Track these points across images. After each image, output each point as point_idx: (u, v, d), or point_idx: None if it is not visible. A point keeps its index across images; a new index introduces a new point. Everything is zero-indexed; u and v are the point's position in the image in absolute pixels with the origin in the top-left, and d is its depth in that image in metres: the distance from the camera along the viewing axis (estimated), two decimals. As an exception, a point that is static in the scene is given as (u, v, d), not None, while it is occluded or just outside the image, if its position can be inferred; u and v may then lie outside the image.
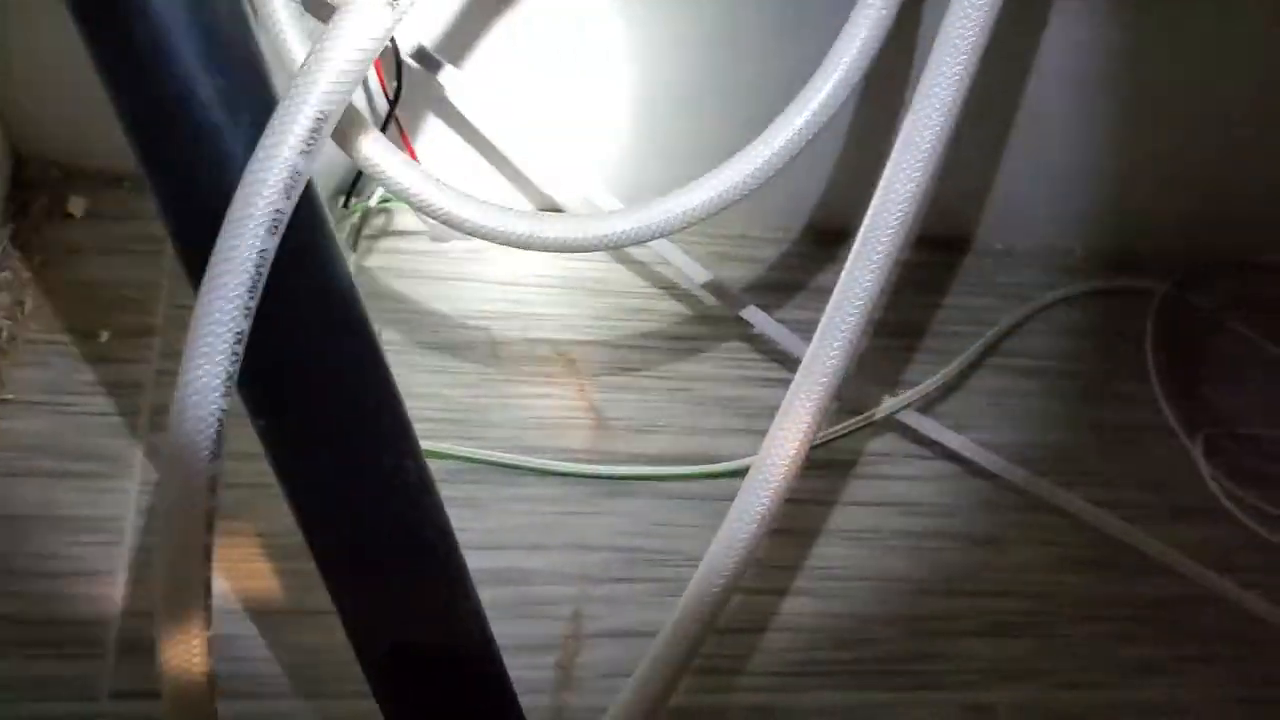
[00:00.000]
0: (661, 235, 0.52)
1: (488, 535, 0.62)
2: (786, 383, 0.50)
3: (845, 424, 0.67)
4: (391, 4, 0.39)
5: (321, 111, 0.38)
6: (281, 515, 0.42)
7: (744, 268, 0.74)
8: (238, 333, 0.37)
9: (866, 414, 0.67)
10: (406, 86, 0.57)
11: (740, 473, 0.57)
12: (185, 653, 0.41)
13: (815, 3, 0.58)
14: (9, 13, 0.55)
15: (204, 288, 0.37)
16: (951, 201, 0.74)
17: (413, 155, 0.60)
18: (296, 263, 0.39)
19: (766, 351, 0.71)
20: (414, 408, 0.44)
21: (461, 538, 0.46)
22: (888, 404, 0.68)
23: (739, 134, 0.66)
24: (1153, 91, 0.66)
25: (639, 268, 0.71)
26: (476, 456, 0.63)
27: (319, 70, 0.38)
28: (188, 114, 0.38)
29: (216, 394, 0.38)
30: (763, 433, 0.51)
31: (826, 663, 0.63)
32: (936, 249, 0.78)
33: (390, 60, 0.56)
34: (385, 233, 0.69)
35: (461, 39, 0.59)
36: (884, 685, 0.63)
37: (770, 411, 0.50)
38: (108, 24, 0.37)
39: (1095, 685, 0.66)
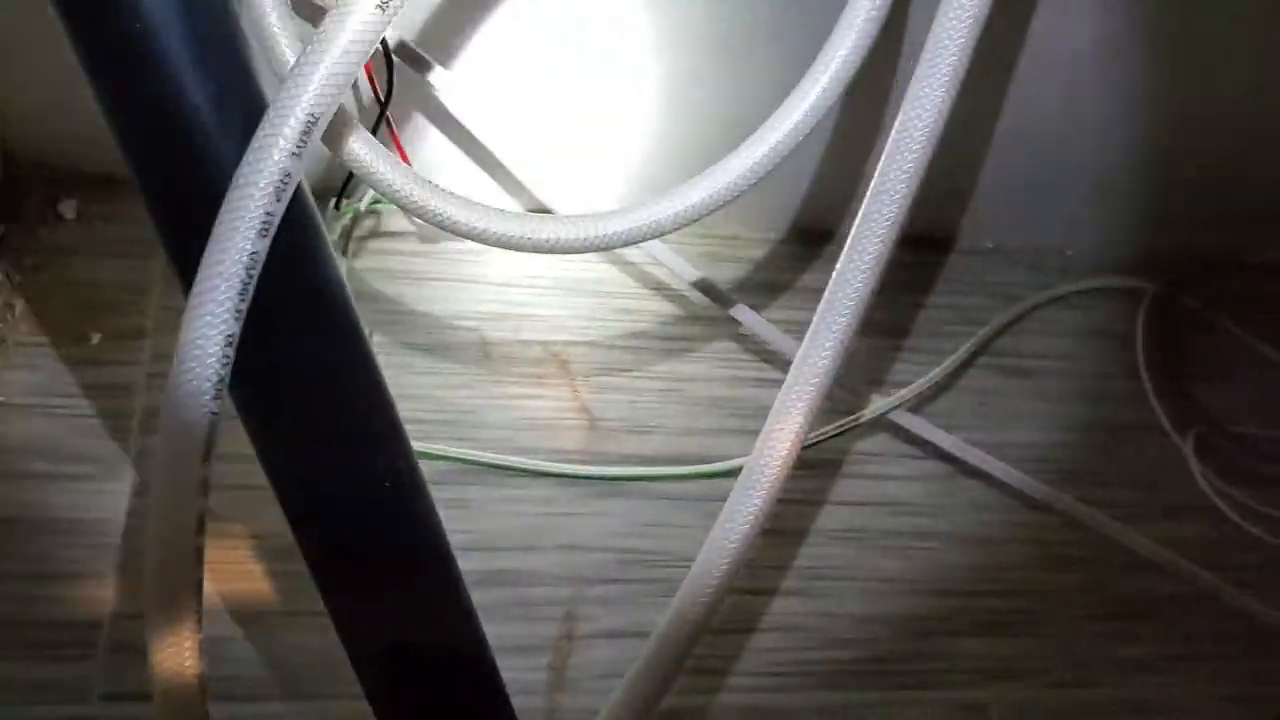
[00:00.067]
0: (653, 237, 0.52)
1: (480, 536, 0.62)
2: (778, 383, 0.50)
3: (837, 424, 0.67)
4: (382, 6, 0.39)
5: (312, 114, 0.38)
6: (273, 517, 0.42)
7: (736, 268, 0.74)
8: (229, 335, 0.37)
9: (858, 414, 0.67)
10: (397, 88, 0.57)
11: (733, 473, 0.57)
12: (177, 655, 0.41)
13: (806, 3, 0.58)
14: (-1, 15, 0.55)
15: (195, 290, 0.37)
16: (942, 201, 0.74)
17: (403, 157, 0.60)
18: (287, 265, 0.39)
19: (758, 352, 0.71)
20: (406, 409, 0.44)
21: (454, 539, 0.46)
22: (879, 404, 0.68)
23: (731, 134, 0.66)
24: (1142, 90, 0.66)
25: (630, 268, 0.71)
26: (468, 458, 0.63)
27: (310, 72, 0.38)
28: (177, 117, 0.38)
29: (207, 396, 0.38)
30: (755, 433, 0.51)
31: (819, 663, 0.63)
32: (927, 248, 0.78)
33: (381, 62, 0.55)
34: (376, 234, 0.69)
35: (452, 40, 0.59)
36: (876, 685, 0.63)
37: (762, 412, 0.50)
38: (96, 26, 0.37)
39: (1087, 684, 0.66)
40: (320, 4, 0.52)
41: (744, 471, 0.51)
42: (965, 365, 0.74)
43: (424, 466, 0.45)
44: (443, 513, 0.46)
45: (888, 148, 0.48)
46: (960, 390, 0.74)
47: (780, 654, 0.63)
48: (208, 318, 0.37)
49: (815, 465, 0.68)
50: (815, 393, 0.50)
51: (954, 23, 0.47)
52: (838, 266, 0.49)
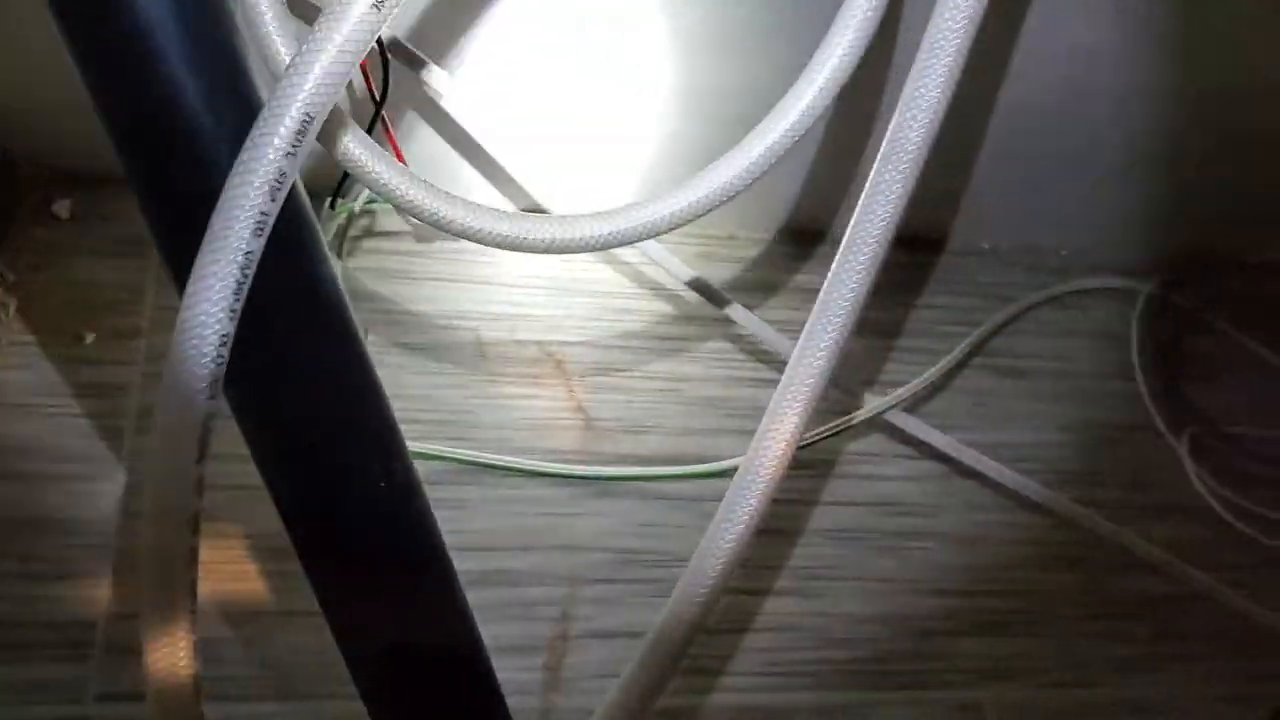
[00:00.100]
0: (648, 237, 0.52)
1: (476, 536, 0.62)
2: (774, 383, 0.50)
3: (832, 424, 0.67)
4: (377, 5, 0.38)
5: (307, 113, 0.38)
6: (268, 517, 0.42)
7: (731, 268, 0.74)
8: (223, 335, 0.37)
9: (853, 414, 0.67)
10: (393, 87, 0.57)
11: (728, 473, 0.57)
12: (171, 655, 0.41)
13: (802, 3, 0.58)
14: (-7, 15, 0.55)
15: (189, 290, 0.37)
16: (938, 201, 0.75)
17: (399, 156, 0.60)
18: (282, 264, 0.39)
19: (754, 352, 0.71)
20: (401, 409, 0.44)
21: (449, 539, 0.46)
22: (874, 404, 0.68)
23: (733, 133, 0.66)
24: (1139, 91, 0.66)
25: (626, 268, 0.71)
26: (464, 458, 0.63)
27: (305, 72, 0.38)
28: (172, 116, 0.37)
29: (202, 396, 0.38)
30: (751, 433, 0.51)
31: (814, 663, 0.63)
32: (922, 249, 0.78)
33: (377, 60, 0.55)
34: (371, 234, 0.69)
35: (448, 38, 0.59)
36: (870, 685, 0.63)
37: (758, 411, 0.50)
38: (91, 25, 0.37)
39: (1081, 683, 0.66)
40: (316, 3, 0.52)
41: (739, 471, 0.51)
42: (960, 365, 0.74)
43: (420, 466, 0.45)
44: (438, 512, 0.46)
45: (883, 147, 0.48)
46: (955, 390, 0.74)
47: (775, 654, 0.63)
48: (202, 317, 0.37)
49: (811, 465, 0.68)
50: (811, 393, 0.50)
51: (950, 22, 0.47)
52: (833, 266, 0.49)
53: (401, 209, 0.49)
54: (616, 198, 0.53)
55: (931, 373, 0.71)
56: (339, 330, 0.42)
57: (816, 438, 0.66)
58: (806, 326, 0.50)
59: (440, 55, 0.59)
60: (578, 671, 0.60)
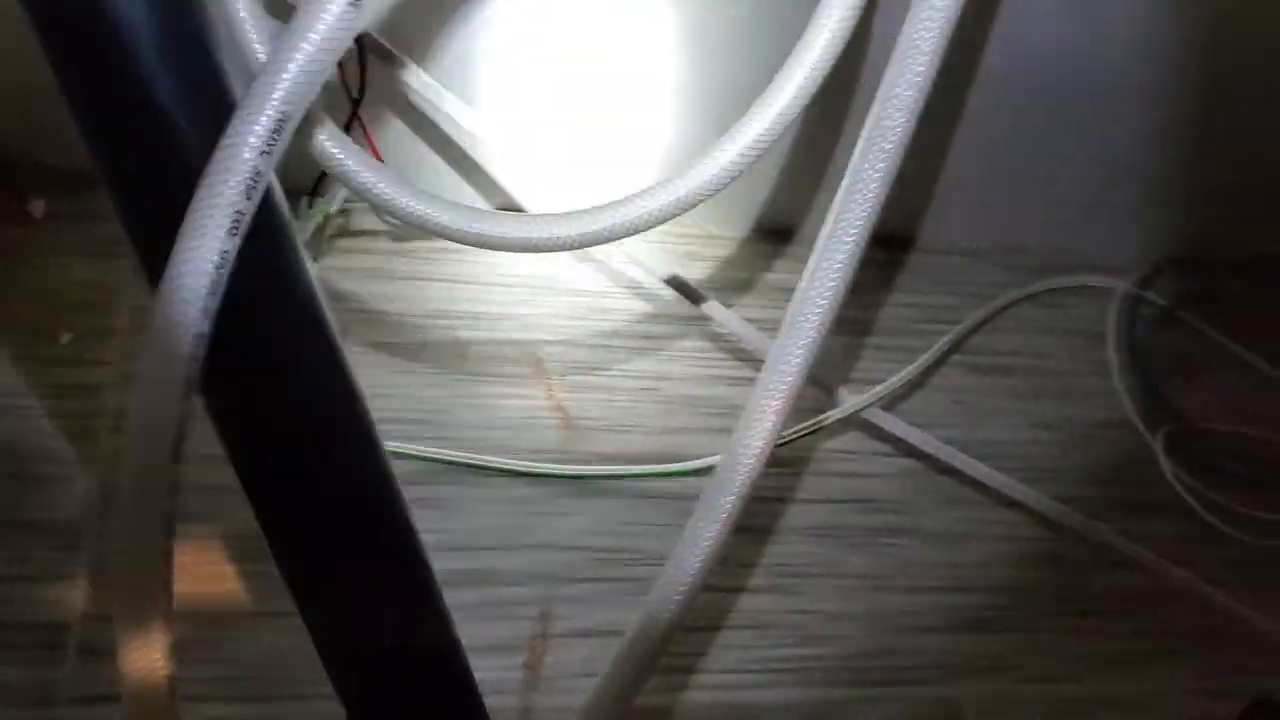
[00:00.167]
0: (627, 235, 0.52)
1: (454, 536, 0.62)
2: (752, 381, 0.50)
3: (809, 422, 0.67)
4: (354, 3, 0.38)
5: (283, 112, 0.38)
6: (244, 518, 0.42)
7: (711, 266, 0.74)
8: (198, 334, 0.37)
9: (830, 411, 0.67)
10: (370, 85, 0.56)
11: (706, 471, 0.57)
12: (146, 657, 0.40)
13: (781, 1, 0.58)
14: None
15: (163, 290, 0.37)
16: (915, 200, 0.75)
17: (376, 155, 0.60)
18: (258, 264, 0.39)
19: (733, 350, 0.71)
20: (379, 408, 0.44)
21: (428, 539, 0.46)
22: (852, 401, 0.68)
23: (706, 131, 0.66)
24: (1115, 91, 0.67)
25: (605, 267, 0.71)
26: (443, 457, 0.63)
27: (281, 70, 0.38)
28: (146, 114, 0.37)
29: (176, 397, 0.37)
30: (729, 431, 0.51)
31: (792, 660, 0.63)
32: (900, 247, 0.78)
33: (354, 59, 0.55)
34: (349, 233, 0.68)
35: (427, 37, 0.59)
36: (848, 682, 0.63)
37: (736, 409, 0.50)
38: (64, 23, 0.37)
39: (1058, 679, 0.67)
40: (292, 1, 0.51)
41: (717, 469, 0.51)
42: (938, 363, 0.74)
43: (398, 466, 0.45)
44: (417, 512, 0.45)
45: (860, 145, 0.48)
46: (933, 388, 0.74)
47: (753, 651, 0.63)
48: (177, 317, 0.37)
49: (789, 463, 0.69)
50: (788, 390, 0.50)
51: (927, 21, 0.47)
52: (810, 264, 0.49)
53: (378, 208, 0.49)
54: (594, 195, 0.53)
55: (909, 370, 0.71)
56: (315, 330, 0.42)
57: (794, 435, 0.66)
58: (784, 324, 0.50)
59: (419, 53, 0.59)
60: (557, 670, 0.60)
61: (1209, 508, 0.73)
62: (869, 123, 0.49)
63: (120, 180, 0.39)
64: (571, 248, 0.52)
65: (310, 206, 0.64)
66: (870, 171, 0.48)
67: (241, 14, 0.45)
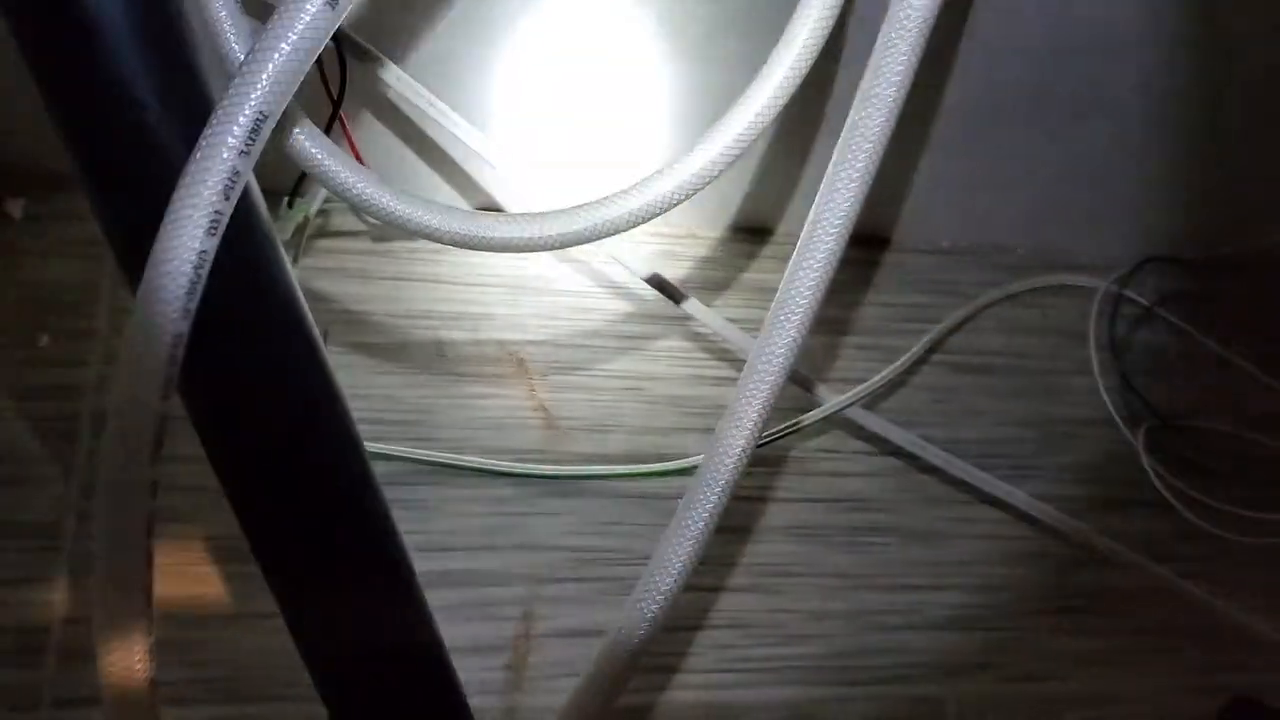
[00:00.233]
0: (608, 235, 0.52)
1: (437, 537, 0.62)
2: (733, 380, 0.50)
3: (791, 421, 0.67)
4: (331, 3, 0.38)
5: (261, 112, 0.38)
6: (224, 518, 0.42)
7: (692, 266, 0.74)
8: (177, 335, 0.37)
9: (812, 411, 0.67)
10: (351, 85, 0.56)
11: (689, 471, 0.57)
12: (127, 659, 0.40)
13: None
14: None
15: (142, 290, 0.37)
16: (896, 200, 0.75)
17: (357, 155, 0.59)
18: (237, 264, 0.39)
19: (714, 349, 0.71)
20: (361, 409, 0.44)
21: (410, 540, 0.46)
22: (834, 401, 0.68)
23: (687, 131, 0.66)
24: (1092, 90, 0.67)
25: (586, 266, 0.71)
26: (424, 458, 0.63)
27: (259, 70, 0.38)
28: (124, 114, 0.37)
29: (155, 397, 0.37)
30: (711, 430, 0.51)
31: (774, 659, 0.63)
32: (881, 247, 0.78)
33: (334, 59, 0.55)
34: (329, 233, 0.68)
35: (406, 36, 0.59)
36: (832, 680, 0.64)
37: (718, 409, 0.50)
38: (41, 23, 0.37)
39: (1041, 677, 0.67)
40: (270, 0, 0.51)
41: (699, 469, 0.51)
42: (920, 362, 0.74)
43: (380, 467, 0.45)
44: (399, 513, 0.45)
45: (840, 144, 0.49)
46: (915, 387, 0.74)
47: (736, 650, 0.63)
48: (156, 318, 0.36)
49: (771, 462, 0.69)
50: (770, 390, 0.50)
51: (906, 19, 0.47)
52: (791, 263, 0.49)
53: (359, 208, 0.49)
54: (573, 195, 0.53)
55: (891, 369, 0.71)
56: (295, 330, 0.42)
57: (776, 435, 0.66)
58: (765, 323, 0.50)
59: (399, 52, 0.59)
60: (541, 670, 0.60)
61: (1190, 505, 0.73)
62: (848, 121, 0.49)
63: (99, 181, 0.39)
64: (552, 247, 0.52)
65: (290, 207, 0.64)
66: (850, 170, 0.48)
67: (219, 14, 0.45)
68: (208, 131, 0.37)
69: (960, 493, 0.71)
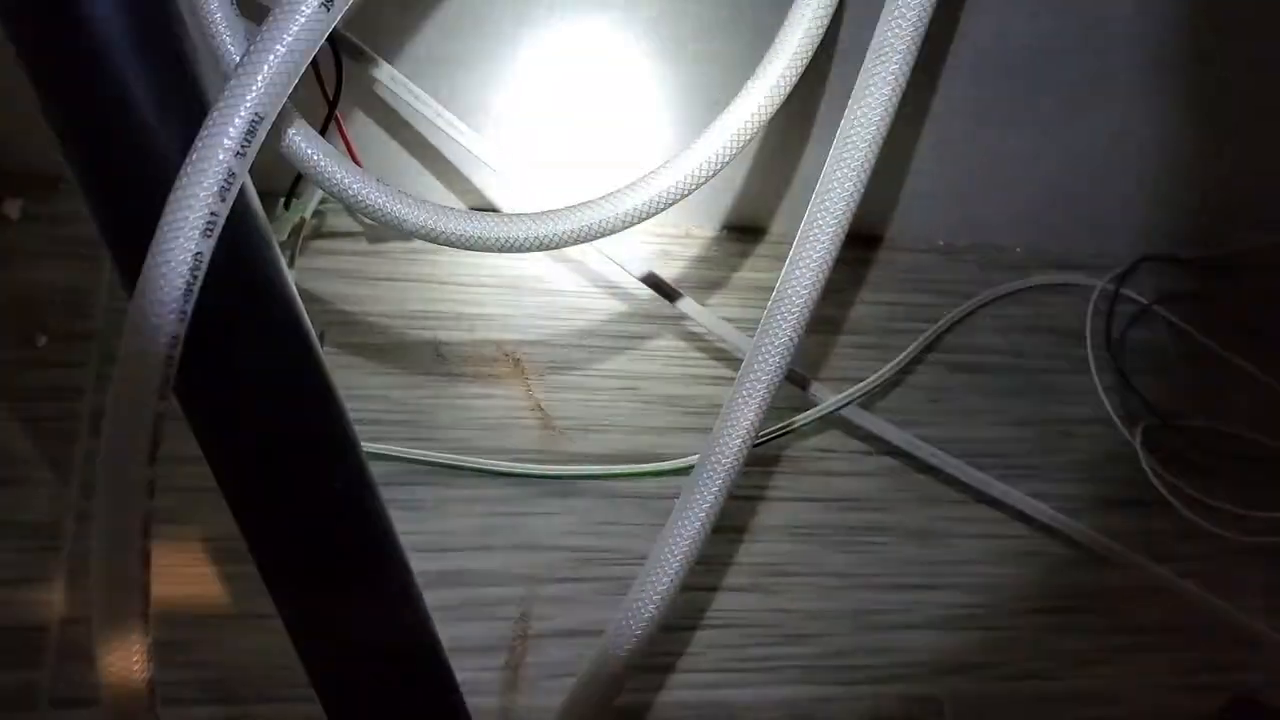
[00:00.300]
0: (604, 235, 0.52)
1: (434, 537, 0.62)
2: (730, 380, 0.50)
3: (788, 420, 0.67)
4: (326, 4, 0.38)
5: (257, 113, 0.38)
6: (222, 519, 0.42)
7: (687, 265, 0.74)
8: (173, 336, 0.37)
9: (809, 410, 0.67)
10: (347, 87, 0.56)
11: (685, 471, 0.57)
12: (125, 659, 0.40)
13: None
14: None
15: (138, 292, 0.37)
16: (890, 199, 0.75)
17: (353, 156, 0.59)
18: (233, 266, 0.39)
19: (710, 349, 0.71)
20: (358, 409, 0.44)
21: (407, 540, 0.46)
22: (830, 400, 0.68)
23: (683, 130, 0.66)
24: (1089, 88, 0.67)
25: (582, 266, 0.71)
26: (421, 458, 0.63)
27: (254, 71, 0.38)
28: (120, 116, 0.37)
29: (152, 397, 0.37)
30: (708, 430, 0.51)
31: (771, 658, 0.63)
32: (877, 246, 0.79)
33: (329, 59, 0.55)
34: (325, 234, 0.68)
35: (402, 37, 0.59)
36: (828, 679, 0.64)
37: (714, 408, 0.50)
38: (38, 24, 0.37)
39: (1038, 676, 0.67)
40: (265, 2, 0.51)
41: (696, 468, 0.51)
42: (916, 361, 0.74)
43: (377, 467, 0.45)
44: (396, 513, 0.46)
45: (836, 142, 0.49)
46: (911, 386, 0.74)
47: (733, 650, 0.63)
48: (152, 319, 0.37)
49: (767, 461, 0.69)
50: (766, 389, 0.50)
51: (901, 18, 0.47)
52: (787, 262, 0.49)
53: (354, 209, 0.49)
54: (571, 194, 0.53)
55: (887, 369, 0.71)
56: (291, 331, 0.42)
57: (772, 434, 0.66)
58: (762, 322, 0.50)
59: (394, 54, 0.59)
60: (538, 671, 0.60)
61: (1188, 504, 0.73)
62: (844, 120, 0.49)
63: (95, 182, 0.39)
64: (548, 247, 0.52)
65: (286, 208, 0.64)
66: (846, 169, 0.48)
67: (215, 15, 0.45)
68: (203, 133, 0.37)
69: (957, 492, 0.71)
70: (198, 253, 0.36)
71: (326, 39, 0.40)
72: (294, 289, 0.42)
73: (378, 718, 0.46)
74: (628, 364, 0.70)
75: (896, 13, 0.47)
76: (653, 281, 0.67)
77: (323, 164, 0.47)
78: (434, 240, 0.50)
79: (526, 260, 0.71)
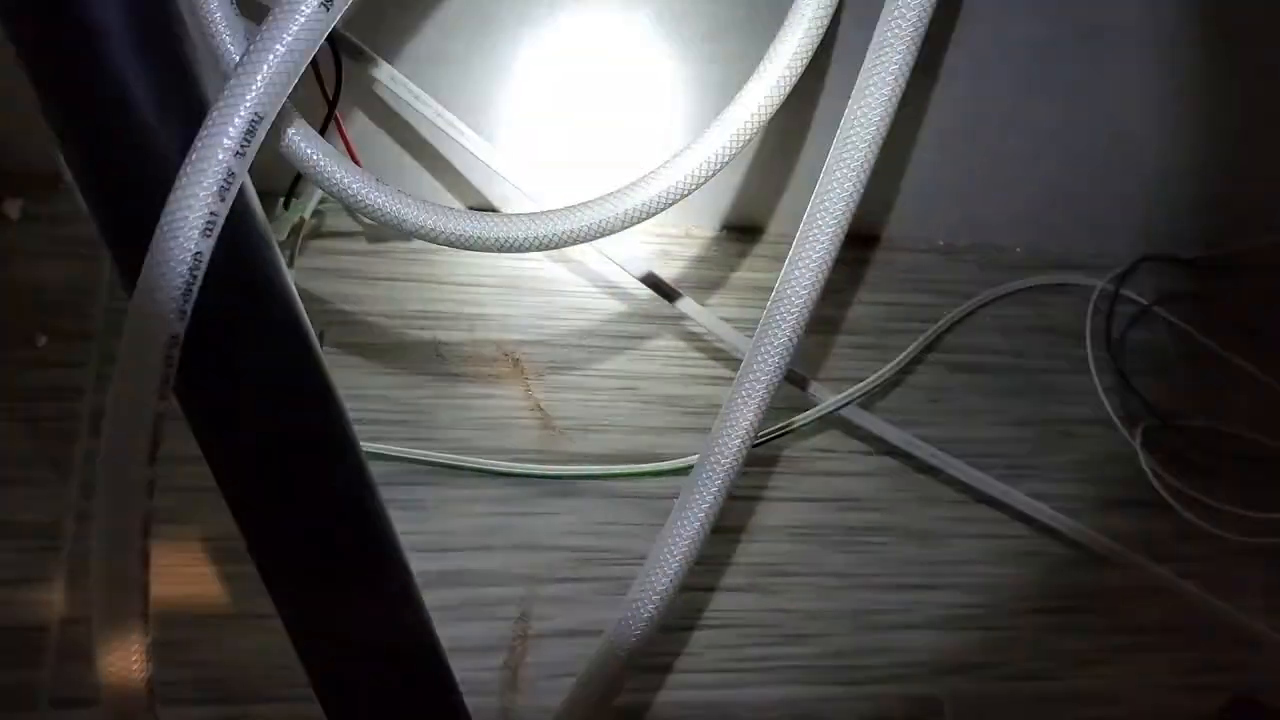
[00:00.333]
0: (603, 235, 0.52)
1: (434, 537, 0.62)
2: (730, 380, 0.50)
3: (787, 420, 0.67)
4: (326, 4, 0.38)
5: (256, 113, 0.38)
6: (221, 519, 0.42)
7: (686, 265, 0.74)
8: (173, 335, 0.37)
9: (808, 410, 0.67)
10: (347, 86, 0.56)
11: (685, 471, 0.57)
12: (124, 659, 0.40)
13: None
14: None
15: (138, 291, 0.37)
16: (891, 199, 0.75)
17: (353, 155, 0.59)
18: (232, 265, 0.39)
19: (709, 349, 0.71)
20: (357, 409, 0.44)
21: (407, 540, 0.46)
22: (830, 400, 0.68)
23: (683, 130, 0.66)
24: (1085, 88, 0.67)
25: (581, 266, 0.71)
26: (421, 458, 0.63)
27: (254, 71, 0.38)
28: (120, 116, 0.37)
29: (152, 397, 0.37)
30: (707, 430, 0.51)
31: (770, 658, 0.63)
32: (877, 247, 0.79)
33: (329, 59, 0.55)
34: (324, 234, 0.68)
35: (402, 36, 0.59)
36: (828, 680, 0.64)
37: (714, 408, 0.50)
38: (37, 23, 0.37)
39: (1037, 676, 0.67)
40: (265, 2, 0.51)
41: (696, 468, 0.51)
42: (916, 361, 0.74)
43: (376, 467, 0.45)
44: (396, 513, 0.46)
45: (835, 143, 0.49)
46: (911, 386, 0.74)
47: (732, 650, 0.63)
48: (152, 318, 0.37)
49: (766, 461, 0.69)
50: (765, 389, 0.50)
51: (900, 20, 0.47)
52: (787, 262, 0.49)
53: (353, 209, 0.49)
54: (570, 194, 0.53)
55: (887, 369, 0.71)
56: (291, 331, 0.42)
57: (772, 434, 0.66)
58: (761, 322, 0.50)
59: (394, 53, 0.59)
60: (537, 671, 0.60)
61: (1188, 504, 0.73)
62: (844, 120, 0.49)
63: (95, 182, 0.39)
64: (547, 247, 0.52)
65: (286, 208, 0.64)
66: (845, 169, 0.48)
67: (214, 15, 0.45)
68: (203, 133, 0.37)
69: (957, 492, 0.71)
70: (197, 252, 0.36)
71: (326, 39, 0.40)
72: (293, 289, 0.42)
73: (377, 718, 0.46)
74: (627, 364, 0.70)
75: (896, 12, 0.47)
76: (652, 281, 0.67)
77: (322, 164, 0.47)
78: (433, 240, 0.50)
79: (526, 260, 0.71)
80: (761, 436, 0.61)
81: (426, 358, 0.67)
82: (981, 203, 0.77)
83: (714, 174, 0.52)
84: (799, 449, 0.70)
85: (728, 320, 0.68)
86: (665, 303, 0.68)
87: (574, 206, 0.52)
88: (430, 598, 0.47)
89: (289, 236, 0.65)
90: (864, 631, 0.65)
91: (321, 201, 0.66)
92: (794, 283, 0.49)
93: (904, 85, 0.48)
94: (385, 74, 0.58)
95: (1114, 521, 0.72)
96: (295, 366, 0.42)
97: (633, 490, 0.66)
